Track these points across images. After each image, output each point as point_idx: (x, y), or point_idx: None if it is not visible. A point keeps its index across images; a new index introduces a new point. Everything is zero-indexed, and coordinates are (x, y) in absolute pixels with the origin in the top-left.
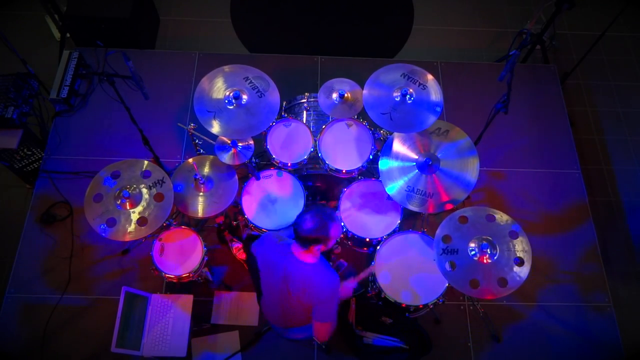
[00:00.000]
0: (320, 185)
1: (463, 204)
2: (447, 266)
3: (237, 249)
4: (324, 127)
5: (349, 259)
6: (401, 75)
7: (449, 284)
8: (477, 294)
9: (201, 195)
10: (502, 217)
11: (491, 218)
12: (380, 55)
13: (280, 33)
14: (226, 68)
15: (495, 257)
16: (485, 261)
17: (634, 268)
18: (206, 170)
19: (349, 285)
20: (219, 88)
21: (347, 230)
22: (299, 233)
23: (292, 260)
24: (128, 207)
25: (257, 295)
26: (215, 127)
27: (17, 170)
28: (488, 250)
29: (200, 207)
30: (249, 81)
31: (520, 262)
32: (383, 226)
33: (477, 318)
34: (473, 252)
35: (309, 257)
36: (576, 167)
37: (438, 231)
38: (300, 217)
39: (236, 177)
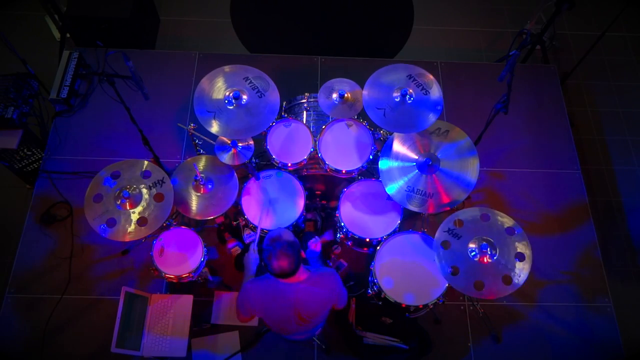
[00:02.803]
0: (320, 185)
1: (463, 205)
2: (449, 270)
3: (232, 250)
4: (324, 127)
5: (349, 259)
6: (406, 77)
7: (449, 284)
8: (482, 295)
9: (202, 197)
10: (497, 216)
11: (486, 217)
12: (380, 55)
13: (280, 33)
14: (226, 68)
15: (495, 257)
16: (485, 261)
17: (634, 268)
18: (206, 171)
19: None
20: (219, 88)
21: (347, 231)
22: (282, 274)
23: (291, 289)
24: (128, 207)
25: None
26: (215, 127)
27: (17, 170)
28: (488, 250)
29: (200, 208)
30: (249, 81)
31: (521, 258)
32: (383, 226)
33: (477, 318)
34: (473, 253)
35: (299, 276)
36: (576, 167)
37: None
38: (270, 265)
39: (236, 177)
